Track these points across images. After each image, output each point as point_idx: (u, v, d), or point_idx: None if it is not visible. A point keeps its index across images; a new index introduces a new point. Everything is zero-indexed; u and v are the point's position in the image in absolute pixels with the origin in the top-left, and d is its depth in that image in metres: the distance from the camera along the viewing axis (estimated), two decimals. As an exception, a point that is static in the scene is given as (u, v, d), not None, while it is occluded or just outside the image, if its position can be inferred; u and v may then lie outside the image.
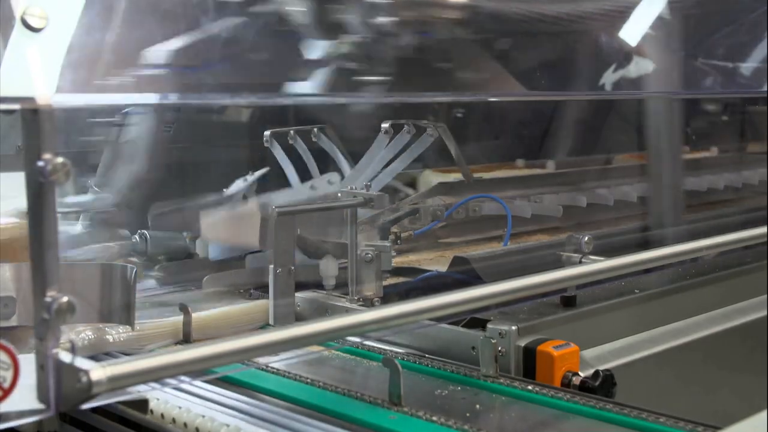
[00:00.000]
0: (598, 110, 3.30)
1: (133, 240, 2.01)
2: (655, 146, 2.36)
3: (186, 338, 1.57)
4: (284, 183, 2.02)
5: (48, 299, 0.92)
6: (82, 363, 0.90)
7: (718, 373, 1.74)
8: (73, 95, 0.98)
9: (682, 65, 2.53)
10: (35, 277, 0.93)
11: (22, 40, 0.91)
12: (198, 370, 0.96)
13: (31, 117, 0.91)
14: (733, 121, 3.63)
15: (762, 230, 1.66)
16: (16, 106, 0.91)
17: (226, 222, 1.76)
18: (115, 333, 1.48)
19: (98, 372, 0.89)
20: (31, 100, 0.91)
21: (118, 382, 0.90)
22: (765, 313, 1.87)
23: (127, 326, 1.45)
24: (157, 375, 0.93)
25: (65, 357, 0.92)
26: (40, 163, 0.90)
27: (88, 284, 1.39)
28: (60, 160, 0.91)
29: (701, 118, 3.54)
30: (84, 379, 0.88)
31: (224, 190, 2.00)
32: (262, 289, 1.70)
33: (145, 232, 2.03)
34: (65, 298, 0.92)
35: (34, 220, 0.93)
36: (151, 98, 1.20)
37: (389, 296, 1.67)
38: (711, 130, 3.50)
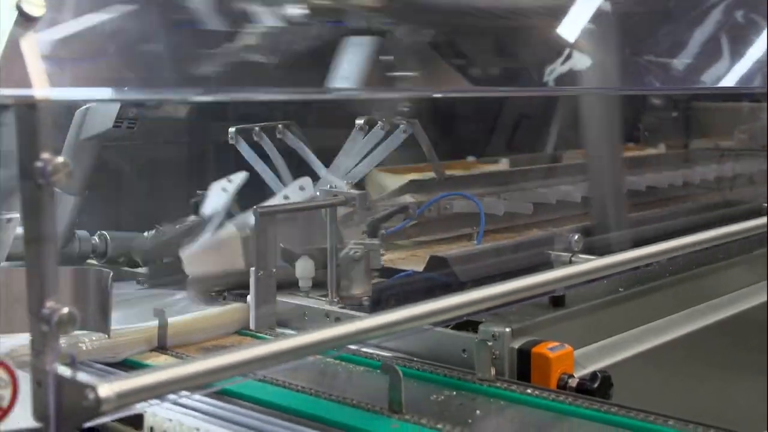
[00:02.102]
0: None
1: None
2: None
3: (161, 344, 1.50)
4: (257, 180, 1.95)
5: (47, 310, 0.86)
6: (85, 378, 0.84)
7: (708, 369, 1.73)
8: (74, 89, 0.90)
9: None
10: (32, 287, 0.86)
11: (17, 30, 0.83)
12: (209, 382, 0.90)
13: (28, 113, 0.84)
14: (681, 117, 3.65)
15: (762, 221, 1.66)
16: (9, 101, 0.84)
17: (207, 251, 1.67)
18: (88, 341, 1.41)
19: (106, 388, 0.82)
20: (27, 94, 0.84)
21: (127, 399, 0.83)
22: (750, 305, 1.87)
23: (103, 333, 1.38)
24: (167, 389, 0.86)
25: (65, 372, 0.85)
26: (39, 164, 0.84)
27: (62, 289, 1.31)
28: (61, 159, 0.84)
29: (651, 115, 3.55)
30: (91, 396, 0.82)
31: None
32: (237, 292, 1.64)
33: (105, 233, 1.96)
34: (66, 309, 0.86)
35: (30, 225, 0.86)
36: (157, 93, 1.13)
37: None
38: (661, 126, 3.51)
